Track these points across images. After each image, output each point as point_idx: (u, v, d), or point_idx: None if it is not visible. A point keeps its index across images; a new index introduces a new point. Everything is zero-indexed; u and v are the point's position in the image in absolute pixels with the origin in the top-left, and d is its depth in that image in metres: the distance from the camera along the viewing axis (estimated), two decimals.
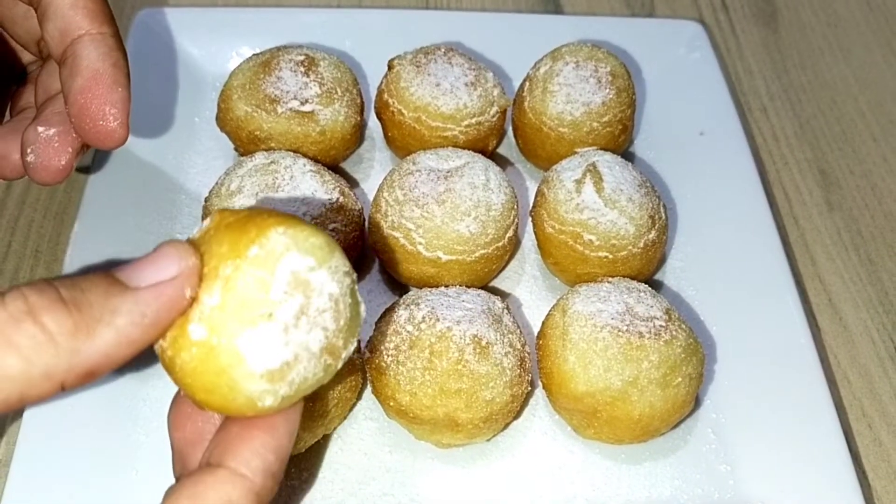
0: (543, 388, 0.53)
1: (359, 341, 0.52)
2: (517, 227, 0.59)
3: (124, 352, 0.30)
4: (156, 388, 0.53)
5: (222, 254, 0.32)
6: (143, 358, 0.53)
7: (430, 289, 0.54)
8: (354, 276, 0.35)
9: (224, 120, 0.63)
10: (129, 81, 0.41)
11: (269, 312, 0.32)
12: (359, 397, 0.53)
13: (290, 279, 0.32)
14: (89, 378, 0.30)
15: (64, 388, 0.30)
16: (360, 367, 0.52)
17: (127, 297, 0.30)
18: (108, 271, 0.31)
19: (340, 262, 0.34)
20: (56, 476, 0.48)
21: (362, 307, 0.36)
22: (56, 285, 0.29)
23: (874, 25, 0.84)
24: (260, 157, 0.58)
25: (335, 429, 0.52)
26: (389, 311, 0.53)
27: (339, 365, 0.35)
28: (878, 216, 0.69)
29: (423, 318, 0.50)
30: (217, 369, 0.32)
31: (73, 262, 0.57)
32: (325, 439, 0.52)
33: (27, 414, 0.50)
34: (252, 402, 0.33)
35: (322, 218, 0.55)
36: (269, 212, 0.33)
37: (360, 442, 0.52)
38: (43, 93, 0.48)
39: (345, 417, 0.52)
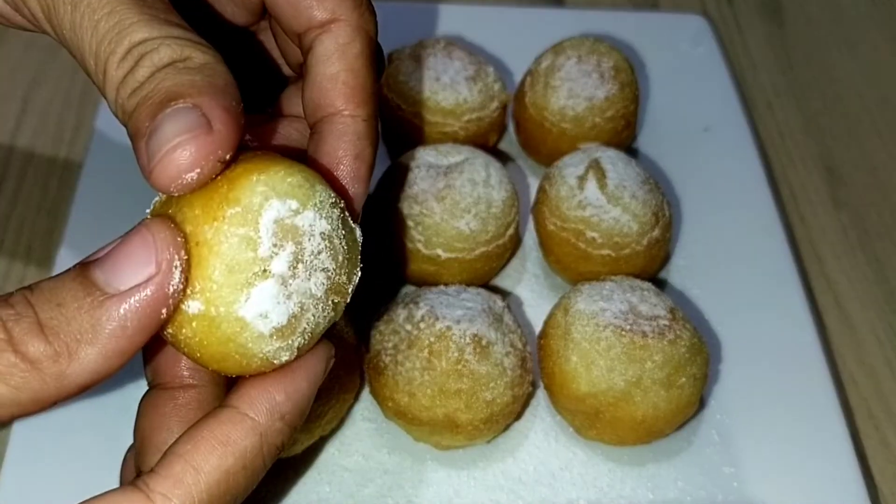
0: (545, 388, 0.52)
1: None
2: (518, 225, 0.58)
3: (113, 363, 0.29)
4: None
5: (196, 217, 0.30)
6: (137, 360, 0.53)
7: (429, 287, 0.53)
8: (342, 203, 0.33)
9: None
10: (370, 173, 0.38)
11: (263, 269, 0.30)
12: (356, 398, 0.53)
13: (276, 229, 0.30)
14: (81, 391, 0.29)
15: (54, 405, 0.29)
16: (357, 367, 0.51)
17: (105, 309, 0.28)
18: (84, 270, 0.29)
19: (325, 195, 0.32)
20: (47, 480, 0.48)
21: (357, 232, 0.34)
22: (33, 304, 0.28)
23: (880, 20, 0.83)
24: None
25: (332, 430, 0.51)
26: (388, 309, 0.52)
27: (349, 299, 0.34)
28: (885, 213, 0.68)
29: (423, 316, 0.49)
30: (223, 339, 0.30)
31: (65, 259, 0.56)
32: (323, 441, 0.51)
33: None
34: (268, 361, 0.31)
35: None
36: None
37: (358, 443, 0.52)
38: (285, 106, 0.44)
39: (342, 418, 0.52)
